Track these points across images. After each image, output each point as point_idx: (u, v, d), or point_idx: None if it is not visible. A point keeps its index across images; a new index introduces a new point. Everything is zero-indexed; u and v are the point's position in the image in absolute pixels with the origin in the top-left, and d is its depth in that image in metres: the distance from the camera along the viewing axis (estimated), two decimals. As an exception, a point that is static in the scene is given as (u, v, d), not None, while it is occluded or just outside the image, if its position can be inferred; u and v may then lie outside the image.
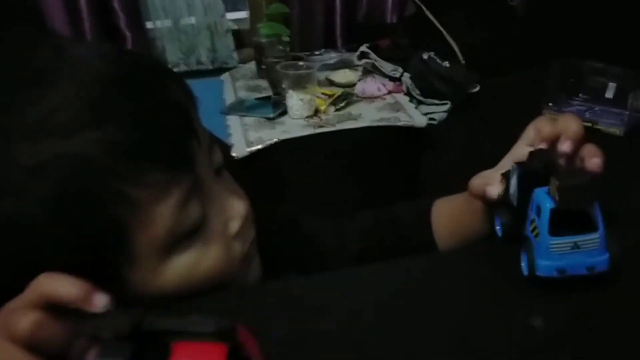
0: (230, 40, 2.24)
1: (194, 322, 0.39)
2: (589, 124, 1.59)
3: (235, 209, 0.59)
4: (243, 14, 2.38)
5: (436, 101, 1.78)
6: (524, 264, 0.53)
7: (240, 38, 2.28)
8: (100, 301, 0.41)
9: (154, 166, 0.50)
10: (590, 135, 0.56)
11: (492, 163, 0.66)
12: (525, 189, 0.54)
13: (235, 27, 2.29)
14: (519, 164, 0.56)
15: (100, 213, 0.49)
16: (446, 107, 1.78)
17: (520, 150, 0.61)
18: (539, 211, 0.51)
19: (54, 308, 0.42)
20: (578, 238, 0.50)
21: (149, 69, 0.55)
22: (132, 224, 0.50)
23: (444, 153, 1.74)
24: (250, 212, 0.61)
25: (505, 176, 0.59)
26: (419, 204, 0.77)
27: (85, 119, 0.48)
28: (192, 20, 2.22)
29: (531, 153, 0.57)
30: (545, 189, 0.51)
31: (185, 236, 0.55)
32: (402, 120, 1.68)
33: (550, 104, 1.68)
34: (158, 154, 0.51)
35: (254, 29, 2.12)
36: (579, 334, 0.47)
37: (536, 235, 0.51)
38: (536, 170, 0.54)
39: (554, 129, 0.57)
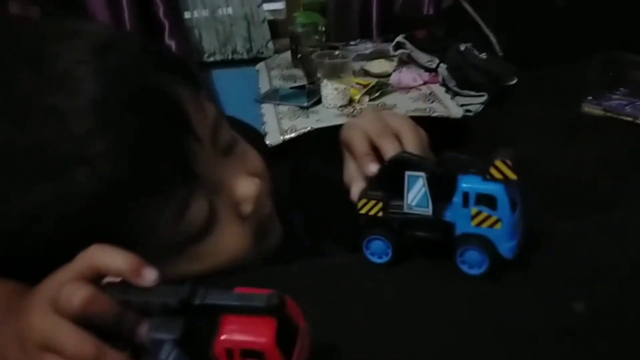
0: (266, 30, 2.24)
1: (243, 297, 0.40)
2: (629, 119, 1.55)
3: (244, 192, 0.56)
4: (279, 5, 2.38)
5: (472, 93, 1.76)
6: (478, 259, 0.49)
7: (276, 28, 2.29)
8: (150, 275, 0.41)
9: (150, 189, 0.50)
10: (630, 130, 0.55)
11: (526, 156, 0.65)
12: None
13: (271, 17, 2.30)
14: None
15: (98, 237, 0.46)
16: (482, 99, 1.75)
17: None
18: (483, 198, 0.48)
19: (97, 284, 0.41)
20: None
21: (140, 67, 0.51)
22: (132, 240, 0.48)
23: (479, 145, 1.71)
24: (266, 184, 0.59)
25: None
26: None
27: (74, 155, 0.47)
28: (229, 10, 2.23)
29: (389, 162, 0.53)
30: (467, 177, 0.48)
31: (197, 234, 0.54)
32: (438, 111, 1.66)
33: (589, 98, 1.65)
34: (152, 178, 0.49)
35: (290, 19, 2.12)
36: (617, 320, 0.46)
37: (491, 224, 0.48)
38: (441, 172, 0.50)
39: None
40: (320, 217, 0.74)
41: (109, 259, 0.41)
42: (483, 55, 1.82)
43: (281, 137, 1.60)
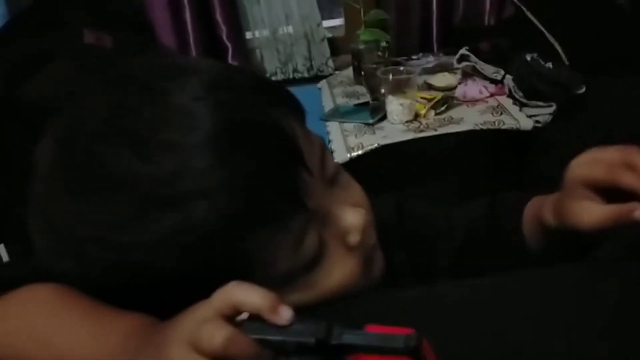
0: (326, 48, 2.27)
1: (381, 337, 0.39)
2: None
3: (352, 223, 0.56)
4: (338, 22, 2.40)
5: (541, 103, 1.73)
6: None
7: (335, 45, 2.30)
8: (286, 313, 0.40)
9: (265, 222, 0.50)
10: None
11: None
12: None
13: (330, 34, 2.32)
14: None
15: (218, 269, 0.48)
16: (551, 110, 1.72)
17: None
18: None
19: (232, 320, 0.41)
20: None
21: (251, 102, 0.52)
22: (249, 272, 0.49)
23: (550, 157, 1.68)
24: (370, 214, 0.59)
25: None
26: (520, 198, 0.74)
27: (193, 189, 0.48)
28: (290, 29, 2.26)
29: None
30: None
31: (307, 266, 0.54)
32: (507, 123, 1.64)
33: (664, 104, 1.60)
34: (268, 212, 0.50)
35: (350, 36, 2.13)
36: None
37: None
38: None
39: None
40: (425, 260, 0.73)
41: (247, 296, 0.41)
42: (549, 65, 1.78)
43: (348, 155, 1.61)
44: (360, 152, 1.62)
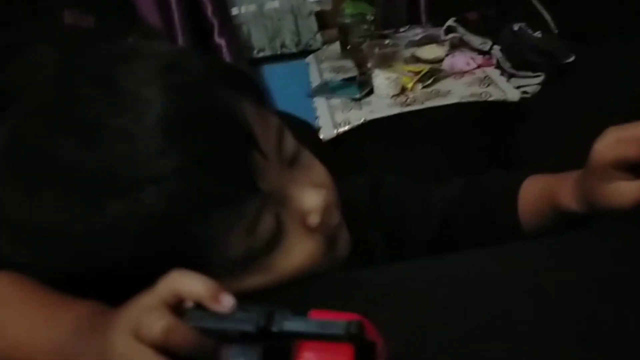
0: (313, 23, 2.24)
1: (321, 324, 0.39)
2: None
3: (311, 204, 0.56)
4: (325, -5, 2.37)
5: (529, 73, 1.71)
6: None
7: (322, 19, 2.27)
8: (227, 301, 0.41)
9: (217, 206, 0.50)
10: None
11: (590, 136, 0.62)
12: None
13: (318, 8, 2.29)
14: None
15: (171, 254, 0.48)
16: (539, 79, 1.71)
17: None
18: None
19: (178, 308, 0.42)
20: None
21: (204, 85, 0.51)
22: (204, 257, 0.49)
23: (539, 128, 1.67)
24: (332, 195, 0.59)
25: None
26: (511, 177, 0.73)
27: (142, 175, 0.48)
28: (276, 4, 2.23)
29: None
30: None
31: (264, 248, 0.54)
32: (494, 95, 1.62)
33: (653, 72, 1.58)
34: (219, 196, 0.50)
35: (337, 10, 2.10)
36: None
37: None
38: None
39: None
40: (400, 240, 0.73)
41: (189, 284, 0.42)
42: (538, 34, 1.76)
43: (335, 131, 1.60)
44: (347, 127, 1.61)
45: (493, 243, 0.64)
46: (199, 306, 0.42)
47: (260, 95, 0.57)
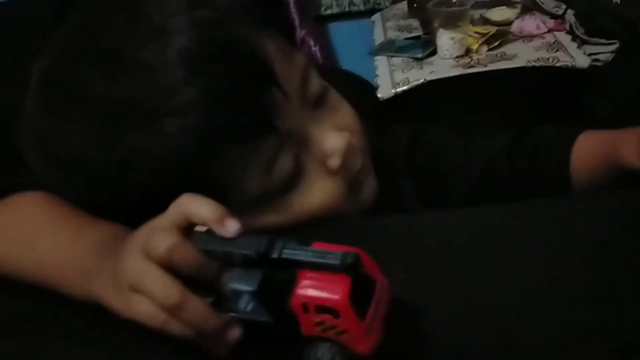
0: (383, -20, 2.19)
1: (319, 253, 0.40)
2: None
3: (332, 146, 0.55)
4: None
5: (603, 40, 1.62)
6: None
7: (394, -23, 2.23)
8: (232, 226, 0.42)
9: (234, 141, 0.51)
10: None
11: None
12: None
13: (390, -34, 2.24)
14: None
15: (188, 186, 0.48)
16: (613, 47, 1.62)
17: None
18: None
19: (189, 232, 0.43)
20: None
21: (228, 21, 0.52)
22: (221, 191, 0.50)
23: (608, 98, 1.59)
24: (357, 139, 0.58)
25: None
26: (564, 132, 0.70)
27: (162, 106, 0.49)
28: (346, -40, 2.20)
29: None
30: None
31: (282, 187, 0.54)
32: (562, 60, 1.55)
33: None
34: (237, 131, 0.50)
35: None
36: None
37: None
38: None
39: None
40: (436, 191, 0.72)
41: (197, 208, 0.43)
42: (617, 0, 1.67)
43: (393, 91, 1.58)
44: (405, 87, 1.58)
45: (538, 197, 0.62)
46: (208, 232, 0.43)
47: (288, 33, 0.56)
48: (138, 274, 0.42)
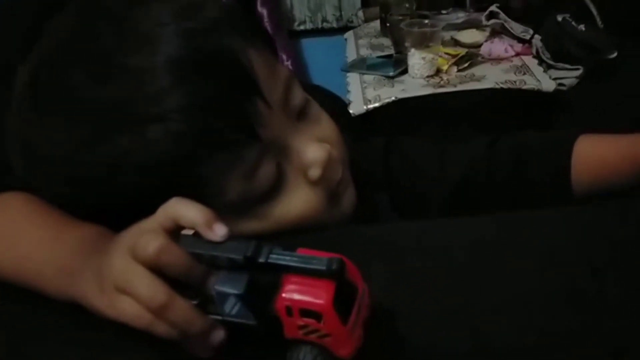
0: (356, -1, 2.23)
1: (305, 259, 0.41)
2: None
3: (313, 157, 0.56)
4: (370, -28, 2.36)
5: (567, 66, 1.68)
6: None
7: (366, -4, 2.26)
8: (220, 230, 0.43)
9: (217, 148, 0.51)
10: None
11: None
12: None
13: (362, -16, 2.28)
14: None
15: (171, 189, 0.48)
16: (578, 73, 1.68)
17: None
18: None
19: (176, 235, 0.44)
20: None
21: (215, 31, 0.53)
22: (203, 197, 0.49)
23: (573, 122, 1.64)
24: (337, 151, 0.59)
25: None
26: (557, 137, 0.69)
27: (148, 112, 0.50)
28: (321, -23, 2.23)
29: None
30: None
31: (263, 195, 0.55)
32: (529, 83, 1.60)
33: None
34: (219, 138, 0.51)
35: (381, -13, 2.09)
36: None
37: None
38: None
39: None
40: (412, 201, 0.72)
41: (186, 211, 0.44)
42: (582, 27, 1.73)
43: (364, 107, 1.60)
44: (377, 104, 1.60)
45: (524, 202, 0.63)
46: (196, 235, 0.44)
47: (270, 47, 0.58)
48: (125, 274, 0.43)
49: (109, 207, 0.52)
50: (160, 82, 0.50)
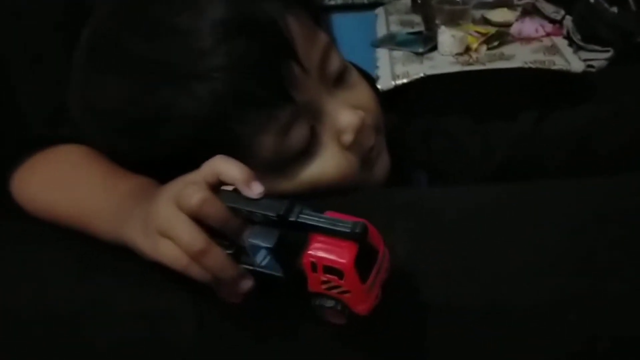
0: (388, -26, 2.22)
1: (331, 221, 0.44)
2: None
3: (346, 122, 0.59)
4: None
5: (598, 47, 1.67)
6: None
7: (399, -28, 2.25)
8: (257, 188, 0.46)
9: (252, 107, 0.55)
10: None
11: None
12: None
13: (395, -39, 2.27)
14: None
15: (210, 145, 0.54)
16: (608, 55, 1.67)
17: None
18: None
19: (217, 189, 0.47)
20: None
21: (254, 2, 0.56)
22: (238, 153, 0.53)
23: (601, 102, 1.64)
24: (372, 118, 0.62)
25: None
26: (614, 109, 0.72)
27: (191, 70, 0.54)
28: (354, -48, 2.22)
29: None
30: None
31: (296, 156, 0.59)
32: (558, 64, 1.60)
33: None
34: (255, 98, 0.55)
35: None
36: None
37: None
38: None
39: None
40: (452, 180, 0.75)
41: (228, 168, 0.47)
42: (614, 9, 1.71)
43: (393, 82, 1.61)
44: (405, 80, 1.61)
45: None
46: (235, 191, 0.47)
47: (313, 13, 0.61)
48: (169, 220, 0.47)
49: (155, 159, 0.57)
50: (204, 42, 0.54)
